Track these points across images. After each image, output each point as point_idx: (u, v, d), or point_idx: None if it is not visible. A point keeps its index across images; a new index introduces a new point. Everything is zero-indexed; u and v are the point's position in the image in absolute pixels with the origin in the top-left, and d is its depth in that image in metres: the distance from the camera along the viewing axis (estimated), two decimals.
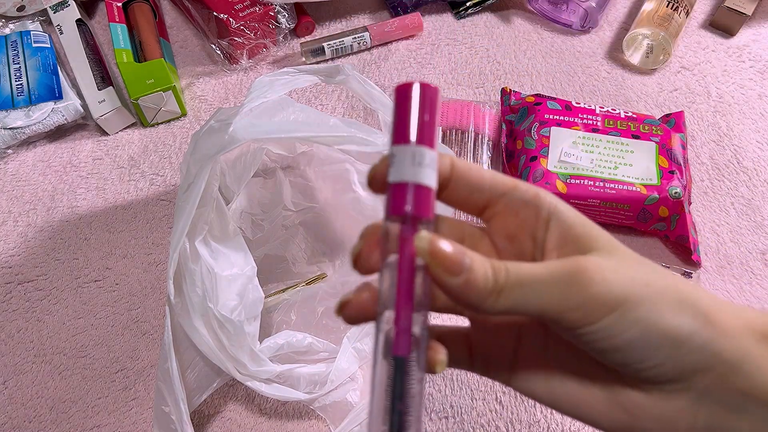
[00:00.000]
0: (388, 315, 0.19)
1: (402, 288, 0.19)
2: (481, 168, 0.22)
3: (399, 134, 0.19)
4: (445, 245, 0.19)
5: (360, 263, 0.21)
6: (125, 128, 0.56)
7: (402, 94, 0.20)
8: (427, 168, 0.19)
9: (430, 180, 0.19)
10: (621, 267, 0.20)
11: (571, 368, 0.22)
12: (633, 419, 0.21)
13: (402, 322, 0.19)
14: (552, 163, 0.50)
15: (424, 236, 0.19)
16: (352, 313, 0.21)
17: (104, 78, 0.56)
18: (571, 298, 0.19)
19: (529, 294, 0.19)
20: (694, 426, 0.20)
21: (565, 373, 0.22)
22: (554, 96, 0.55)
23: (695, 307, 0.20)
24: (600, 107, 0.54)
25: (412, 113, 0.20)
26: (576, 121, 0.52)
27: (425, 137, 0.19)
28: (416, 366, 0.19)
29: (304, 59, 0.61)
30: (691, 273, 0.47)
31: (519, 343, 0.23)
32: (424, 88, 0.20)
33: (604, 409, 0.21)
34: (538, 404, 0.43)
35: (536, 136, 0.51)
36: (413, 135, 0.19)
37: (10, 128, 0.53)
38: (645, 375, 0.20)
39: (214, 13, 0.56)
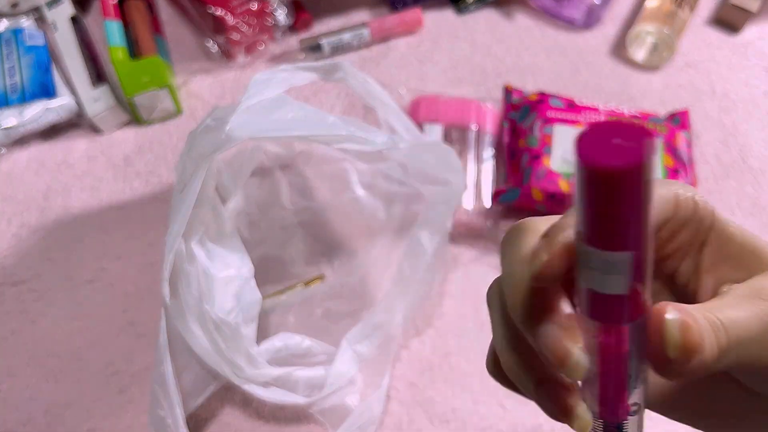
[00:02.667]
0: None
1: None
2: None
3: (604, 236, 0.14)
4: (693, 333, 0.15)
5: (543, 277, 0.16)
6: (120, 127, 0.55)
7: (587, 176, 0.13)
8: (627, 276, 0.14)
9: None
10: None
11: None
12: None
13: (615, 399, 0.16)
14: (555, 161, 0.49)
15: (675, 339, 0.15)
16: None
17: (99, 76, 0.56)
18: None
19: (742, 353, 0.16)
20: None
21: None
22: (557, 93, 0.54)
23: None
24: (604, 105, 0.53)
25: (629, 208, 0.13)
26: (579, 119, 0.51)
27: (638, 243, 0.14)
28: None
29: (302, 56, 0.60)
30: None
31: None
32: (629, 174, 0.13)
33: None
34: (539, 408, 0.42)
35: (539, 134, 0.51)
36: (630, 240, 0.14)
37: (3, 127, 0.52)
38: None
39: (211, 9, 0.55)
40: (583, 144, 0.12)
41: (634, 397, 0.17)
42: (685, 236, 0.19)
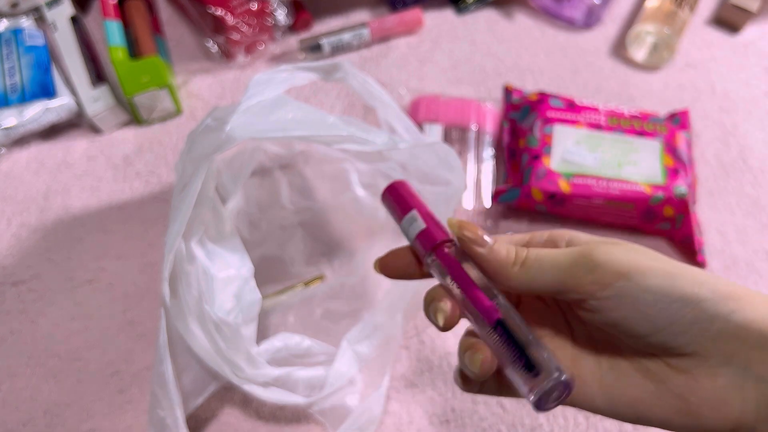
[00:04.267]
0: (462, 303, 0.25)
1: (456, 274, 0.25)
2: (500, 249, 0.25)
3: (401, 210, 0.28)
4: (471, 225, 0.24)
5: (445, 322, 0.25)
6: (120, 127, 0.55)
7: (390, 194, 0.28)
8: (418, 223, 0.27)
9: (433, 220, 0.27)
10: (628, 250, 0.23)
11: (615, 370, 0.24)
12: (687, 405, 0.22)
13: (477, 301, 0.24)
14: (555, 161, 0.49)
15: (453, 221, 0.25)
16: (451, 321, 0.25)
17: (99, 76, 0.56)
18: (583, 268, 0.22)
19: (546, 268, 0.23)
20: (745, 406, 0.21)
21: (613, 375, 0.24)
22: (557, 93, 0.54)
23: (714, 286, 0.21)
24: (604, 105, 0.53)
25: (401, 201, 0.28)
26: (579, 119, 0.51)
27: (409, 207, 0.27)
28: (516, 318, 0.23)
29: (302, 56, 0.60)
30: None
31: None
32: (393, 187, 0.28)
33: (658, 401, 0.22)
34: None
35: (539, 134, 0.51)
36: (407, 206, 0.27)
37: (3, 127, 0.52)
38: (677, 347, 0.21)
39: (211, 9, 0.55)
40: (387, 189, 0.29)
41: (501, 300, 0.24)
42: (563, 255, 0.24)
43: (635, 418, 0.23)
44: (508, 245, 0.24)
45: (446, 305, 0.24)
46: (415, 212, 0.27)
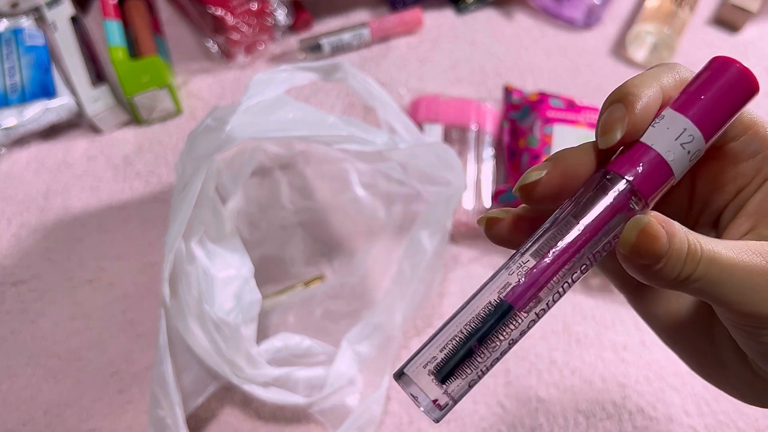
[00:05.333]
0: (529, 259, 0.18)
1: (571, 252, 0.18)
2: None
3: (687, 103, 0.18)
4: (651, 238, 0.17)
5: (533, 190, 0.19)
6: (120, 127, 0.55)
7: (719, 68, 0.18)
8: (686, 156, 0.17)
9: (679, 169, 0.18)
10: None
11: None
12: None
13: (545, 275, 0.18)
14: None
15: (637, 223, 0.17)
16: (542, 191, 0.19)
17: (99, 75, 0.56)
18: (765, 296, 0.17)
19: (724, 282, 0.17)
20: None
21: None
22: (557, 93, 0.54)
23: None
24: None
25: (715, 94, 0.18)
26: (579, 119, 0.51)
27: (708, 126, 0.17)
28: (517, 325, 0.18)
29: (302, 56, 0.60)
30: None
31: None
32: (744, 79, 0.18)
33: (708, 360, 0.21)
34: (540, 408, 0.42)
35: (539, 134, 0.51)
36: (697, 114, 0.17)
37: (3, 127, 0.52)
38: None
39: (211, 9, 0.55)
40: (726, 58, 0.18)
41: (552, 289, 0.18)
42: (748, 168, 0.19)
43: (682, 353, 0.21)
44: (682, 252, 0.17)
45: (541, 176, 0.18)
46: (694, 130, 0.17)
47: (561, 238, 0.18)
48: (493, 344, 0.18)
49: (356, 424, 0.40)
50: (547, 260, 0.18)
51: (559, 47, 0.62)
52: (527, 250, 0.18)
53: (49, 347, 0.44)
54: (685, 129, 0.17)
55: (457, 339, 0.18)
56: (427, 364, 0.18)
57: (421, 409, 0.18)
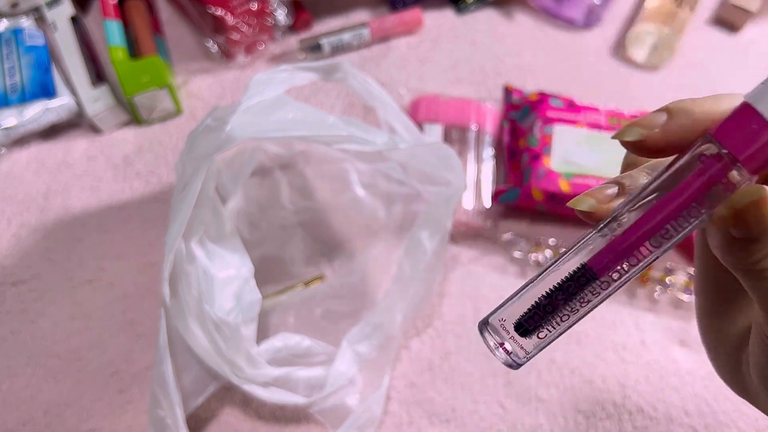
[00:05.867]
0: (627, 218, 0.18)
1: (658, 222, 0.17)
2: None
3: None
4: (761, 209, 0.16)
5: (643, 144, 0.18)
6: (120, 127, 0.55)
7: None
8: None
9: None
10: None
11: None
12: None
13: (634, 242, 0.18)
14: (555, 161, 0.49)
15: (752, 193, 0.16)
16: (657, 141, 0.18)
17: (99, 76, 0.56)
18: None
19: None
20: None
21: None
22: (557, 93, 0.54)
23: None
24: (604, 105, 0.53)
25: None
26: (579, 119, 0.51)
27: None
28: (593, 291, 0.19)
29: (302, 56, 0.60)
30: None
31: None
32: None
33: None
34: (540, 408, 0.42)
35: (539, 134, 0.51)
36: None
37: (3, 127, 0.52)
38: None
39: (211, 9, 0.55)
40: None
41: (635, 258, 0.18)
42: None
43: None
44: None
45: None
46: None
47: (650, 208, 0.18)
48: (573, 306, 0.19)
49: (356, 424, 0.40)
50: (634, 229, 0.18)
51: (559, 47, 0.62)
52: (616, 216, 0.18)
53: (49, 347, 0.44)
54: None
55: (539, 298, 0.19)
56: (506, 319, 0.19)
57: (500, 360, 0.20)
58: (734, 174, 0.17)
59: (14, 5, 0.59)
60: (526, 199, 0.48)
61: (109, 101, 0.53)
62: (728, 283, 0.21)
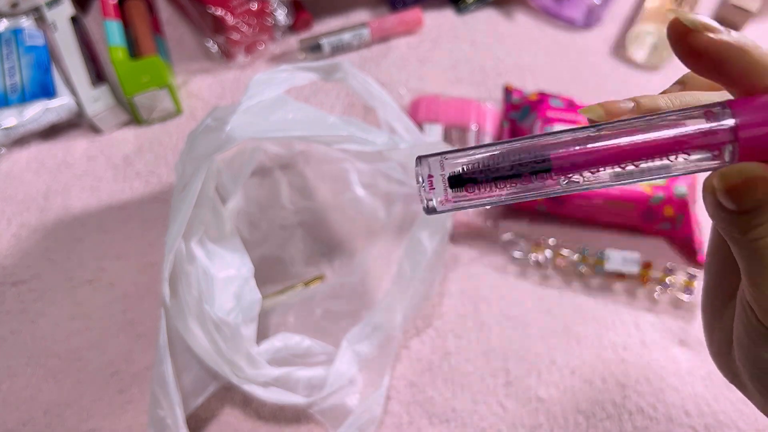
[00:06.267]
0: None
1: (636, 147, 0.18)
2: None
3: None
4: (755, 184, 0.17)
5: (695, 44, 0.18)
6: (120, 127, 0.55)
7: None
8: None
9: None
10: None
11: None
12: None
13: (599, 155, 0.18)
14: None
15: (750, 170, 0.17)
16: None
17: (99, 76, 0.56)
18: None
19: None
20: None
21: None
22: (557, 93, 0.54)
23: None
24: None
25: None
26: (579, 119, 0.51)
27: None
28: (547, 183, 0.18)
29: (302, 56, 0.60)
30: (696, 275, 0.46)
31: None
32: None
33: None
34: (540, 408, 0.42)
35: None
36: None
37: (3, 127, 0.52)
38: None
39: (211, 9, 0.55)
40: None
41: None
42: None
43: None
44: None
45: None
46: None
47: (637, 133, 0.18)
48: (517, 182, 0.19)
49: (356, 424, 0.40)
50: (609, 143, 0.18)
51: (559, 47, 0.62)
52: (603, 126, 0.19)
53: (49, 347, 0.44)
54: None
55: (491, 159, 0.19)
56: (448, 160, 0.19)
57: (422, 198, 0.19)
58: (728, 148, 0.17)
59: (14, 5, 0.59)
60: None
61: (109, 101, 0.53)
62: (731, 262, 0.21)
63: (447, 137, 0.53)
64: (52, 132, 0.55)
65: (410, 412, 0.42)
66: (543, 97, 0.53)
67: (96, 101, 0.53)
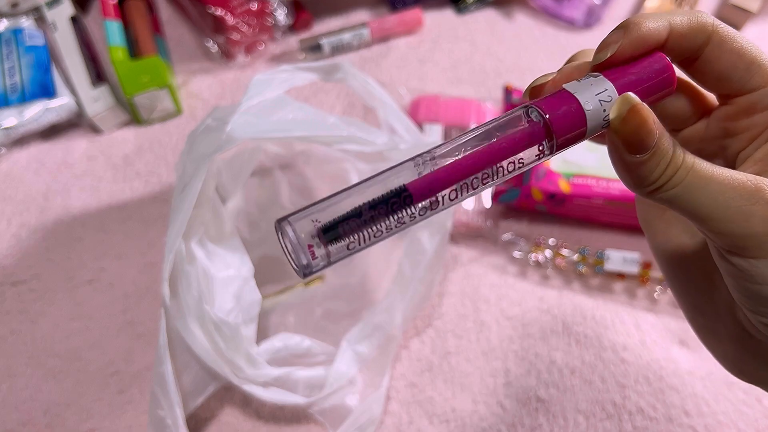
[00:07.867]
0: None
1: (479, 161, 0.19)
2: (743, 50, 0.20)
3: (615, 73, 0.21)
4: (641, 118, 0.18)
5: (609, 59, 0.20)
6: (120, 127, 0.55)
7: (653, 58, 0.21)
8: (600, 113, 0.20)
9: (592, 122, 0.20)
10: None
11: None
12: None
13: (449, 176, 0.19)
14: (555, 161, 0.49)
15: (627, 100, 0.18)
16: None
17: (99, 76, 0.56)
18: (748, 217, 0.17)
19: (700, 191, 0.18)
20: None
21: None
22: None
23: None
24: None
25: (640, 74, 0.21)
26: None
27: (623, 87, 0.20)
28: (410, 213, 0.19)
29: (302, 56, 0.60)
30: None
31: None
32: (666, 72, 0.21)
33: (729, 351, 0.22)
34: (540, 408, 0.42)
35: None
36: (620, 82, 0.20)
37: (3, 127, 0.52)
38: None
39: (211, 9, 0.55)
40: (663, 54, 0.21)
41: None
42: (762, 118, 0.20)
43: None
44: (668, 147, 0.18)
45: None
46: (611, 86, 0.20)
47: (474, 147, 0.20)
48: (383, 221, 0.19)
49: (356, 424, 0.40)
50: (455, 161, 0.19)
51: (559, 47, 0.62)
52: (440, 147, 0.20)
53: (49, 347, 0.44)
54: (606, 89, 0.20)
55: (352, 206, 0.19)
56: (314, 221, 0.19)
57: (298, 262, 0.19)
58: (545, 145, 0.20)
59: (14, 5, 0.59)
60: (526, 199, 0.48)
61: (109, 101, 0.54)
62: (692, 276, 0.23)
63: (447, 137, 0.53)
64: (52, 132, 0.55)
65: (410, 412, 0.42)
66: None
67: (96, 101, 0.53)
